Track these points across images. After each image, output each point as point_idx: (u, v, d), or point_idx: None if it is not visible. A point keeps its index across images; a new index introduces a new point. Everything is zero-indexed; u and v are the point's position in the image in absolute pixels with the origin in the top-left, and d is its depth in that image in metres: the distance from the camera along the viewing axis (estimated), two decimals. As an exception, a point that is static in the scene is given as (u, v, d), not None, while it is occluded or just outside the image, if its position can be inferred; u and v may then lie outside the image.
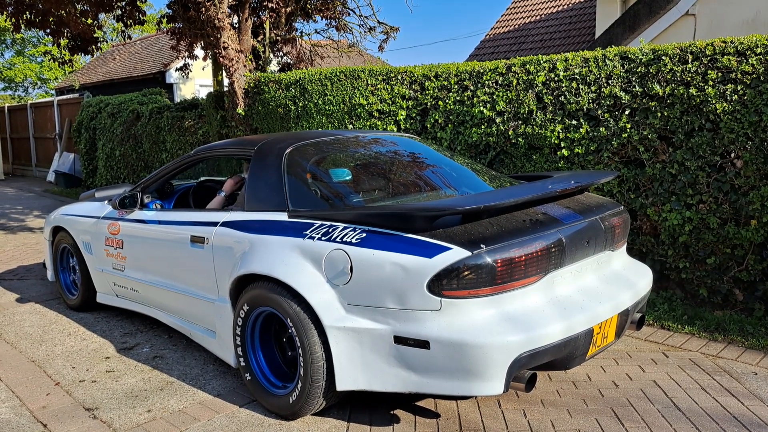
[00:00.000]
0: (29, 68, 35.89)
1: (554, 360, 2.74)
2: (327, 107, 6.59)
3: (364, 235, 2.83)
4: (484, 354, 2.53)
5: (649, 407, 3.09)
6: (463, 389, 2.62)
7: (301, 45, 8.72)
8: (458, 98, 5.58)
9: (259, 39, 8.19)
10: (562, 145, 4.89)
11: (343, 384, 2.85)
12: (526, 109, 5.10)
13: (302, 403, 2.96)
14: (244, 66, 7.54)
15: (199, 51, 10.69)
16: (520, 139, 5.13)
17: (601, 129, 4.68)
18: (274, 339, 3.28)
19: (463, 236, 2.66)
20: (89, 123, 12.54)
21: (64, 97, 17.13)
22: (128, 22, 8.68)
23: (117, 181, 11.38)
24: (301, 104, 6.86)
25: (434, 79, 5.83)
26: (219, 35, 7.17)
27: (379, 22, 8.62)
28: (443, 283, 2.59)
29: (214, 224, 3.51)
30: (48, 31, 8.16)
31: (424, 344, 2.63)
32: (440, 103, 5.70)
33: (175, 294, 3.85)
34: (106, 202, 4.54)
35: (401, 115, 6.01)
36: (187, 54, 10.66)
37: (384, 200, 3.44)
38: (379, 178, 3.73)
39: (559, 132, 4.90)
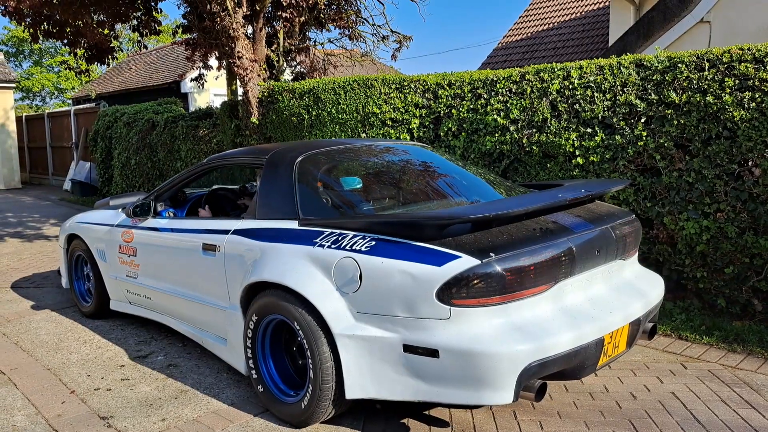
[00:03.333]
0: (47, 78, 36.39)
1: (564, 370, 2.72)
2: (340, 116, 6.61)
3: (374, 243, 2.83)
4: (494, 363, 2.52)
5: (667, 420, 3.04)
6: (473, 398, 2.61)
7: (314, 54, 8.76)
8: (472, 106, 5.57)
9: (273, 48, 8.25)
10: (577, 153, 4.85)
11: (352, 392, 2.84)
12: (541, 117, 5.07)
13: (311, 411, 2.97)
14: (258, 75, 7.59)
15: (213, 61, 10.78)
16: (534, 147, 5.11)
17: (616, 137, 4.65)
18: (285, 347, 3.28)
19: (473, 245, 2.65)
20: (105, 132, 12.67)
21: (81, 106, 17.33)
22: (144, 32, 8.77)
23: (132, 189, 11.47)
24: (314, 113, 6.89)
25: (447, 88, 5.83)
26: (233, 45, 7.22)
27: (392, 31, 8.65)
28: (453, 292, 2.58)
29: (226, 232, 3.54)
30: (65, 41, 8.26)
31: (433, 353, 2.62)
32: (453, 111, 5.70)
33: (187, 302, 3.88)
34: (120, 210, 4.57)
35: (414, 123, 6.01)
36: (201, 64, 10.75)
37: (394, 209, 3.45)
38: (389, 187, 3.76)
39: (573, 140, 4.87)
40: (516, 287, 2.62)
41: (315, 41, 8.84)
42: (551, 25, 18.77)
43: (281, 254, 3.13)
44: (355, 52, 9.93)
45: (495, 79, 5.47)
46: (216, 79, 10.64)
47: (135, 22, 8.62)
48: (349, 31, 9.10)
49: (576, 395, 3.32)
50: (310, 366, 2.93)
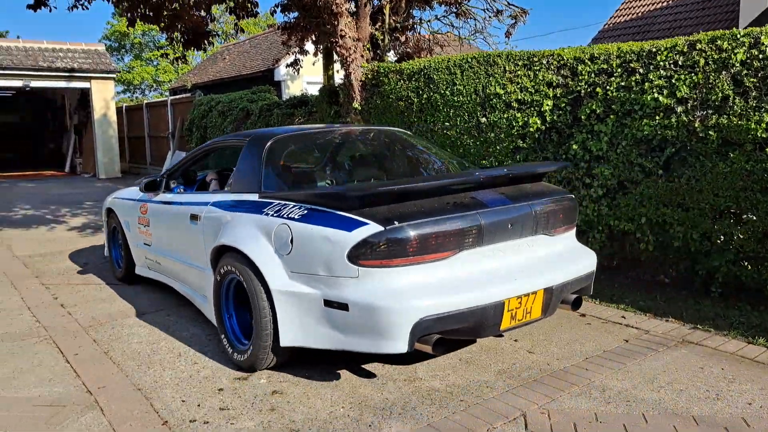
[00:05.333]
0: (146, 71, 37.74)
1: (462, 328, 3.00)
2: (455, 98, 5.82)
3: (306, 212, 3.22)
4: (389, 316, 2.86)
5: None
6: (374, 347, 2.96)
7: (418, 34, 8.00)
8: (623, 84, 4.63)
9: (377, 26, 7.55)
10: (775, 139, 3.84)
11: (285, 341, 3.24)
12: (719, 95, 4.08)
13: (255, 357, 3.41)
14: (362, 56, 6.92)
15: (309, 46, 10.30)
16: (710, 133, 4.12)
17: (833, 118, 3.61)
18: (246, 303, 3.54)
19: (384, 213, 2.98)
20: (200, 121, 12.50)
21: (177, 96, 17.45)
22: (240, 14, 8.32)
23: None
24: (425, 96, 6.14)
25: (589, 63, 4.91)
26: (336, 23, 6.58)
27: (508, 3, 7.72)
28: (360, 254, 2.93)
29: (206, 204, 4.04)
30: (162, 25, 7.93)
31: (344, 307, 2.99)
32: (598, 90, 4.78)
33: (183, 265, 4.40)
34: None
35: (547, 105, 5.13)
36: (297, 49, 10.28)
37: (341, 184, 4.06)
38: (345, 165, 4.39)
39: (767, 123, 3.86)
40: (418, 252, 2.96)
41: (420, 19, 8.07)
42: (665, 3, 17.24)
43: (239, 222, 3.59)
44: (450, 36, 9.06)
45: (654, 50, 4.51)
46: (313, 64, 10.14)
47: (231, 3, 8.17)
48: (457, 7, 8.27)
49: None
50: (254, 318, 3.34)
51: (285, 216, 3.27)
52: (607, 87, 4.72)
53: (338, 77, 8.53)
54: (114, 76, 17.14)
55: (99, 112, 16.91)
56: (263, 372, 3.56)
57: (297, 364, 3.63)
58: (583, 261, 3.60)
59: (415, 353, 3.06)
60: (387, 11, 7.44)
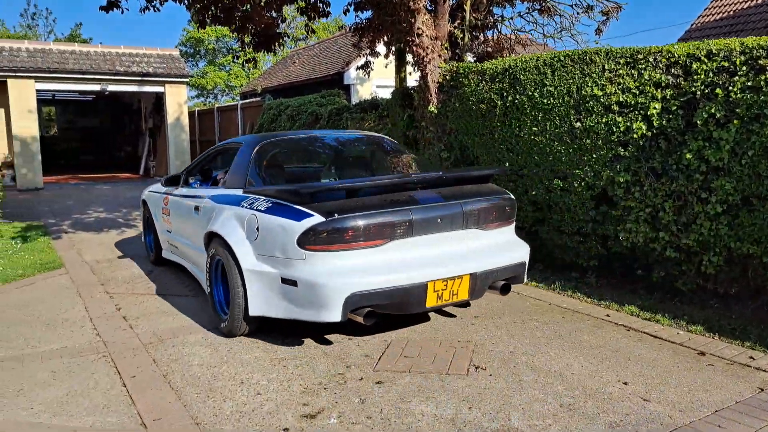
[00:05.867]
0: (218, 76, 38.57)
1: (389, 303, 3.59)
2: (545, 101, 5.27)
3: (270, 205, 3.86)
4: (325, 291, 3.49)
5: None
6: (315, 316, 3.60)
7: (500, 31, 7.46)
8: (749, 84, 3.99)
9: (456, 24, 7.07)
10: None
11: (253, 311, 3.86)
12: None
13: (232, 324, 4.06)
14: (439, 56, 6.46)
15: (380, 47, 9.93)
16: None
17: None
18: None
19: (327, 207, 3.57)
20: (270, 126, 12.37)
21: (247, 100, 17.51)
22: (312, 15, 8.03)
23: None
24: (510, 98, 5.61)
25: (706, 60, 4.27)
26: (413, 20, 6.15)
27: (601, -2, 7.07)
28: (306, 240, 3.55)
29: (205, 197, 4.75)
30: (233, 27, 7.73)
31: (294, 283, 3.62)
32: (718, 91, 4.14)
33: (190, 248, 5.13)
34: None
35: (654, 108, 4.52)
36: (368, 51, 9.93)
37: (309, 182, 4.64)
38: (322, 167, 5.10)
39: None
40: (353, 240, 3.55)
41: (501, 16, 7.54)
42: (759, 0, 16.01)
43: (223, 212, 4.28)
44: (523, 38, 8.46)
45: (790, 43, 3.84)
46: (386, 67, 9.76)
47: (303, 3, 7.88)
48: (540, 3, 7.69)
49: None
50: (231, 293, 3.98)
51: (255, 208, 3.93)
52: (730, 88, 4.08)
53: (411, 79, 8.11)
54: (187, 80, 17.35)
55: (172, 116, 17.15)
56: (334, 410, 3.15)
57: (370, 399, 3.20)
58: (514, 253, 4.11)
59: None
60: (468, 7, 6.94)
